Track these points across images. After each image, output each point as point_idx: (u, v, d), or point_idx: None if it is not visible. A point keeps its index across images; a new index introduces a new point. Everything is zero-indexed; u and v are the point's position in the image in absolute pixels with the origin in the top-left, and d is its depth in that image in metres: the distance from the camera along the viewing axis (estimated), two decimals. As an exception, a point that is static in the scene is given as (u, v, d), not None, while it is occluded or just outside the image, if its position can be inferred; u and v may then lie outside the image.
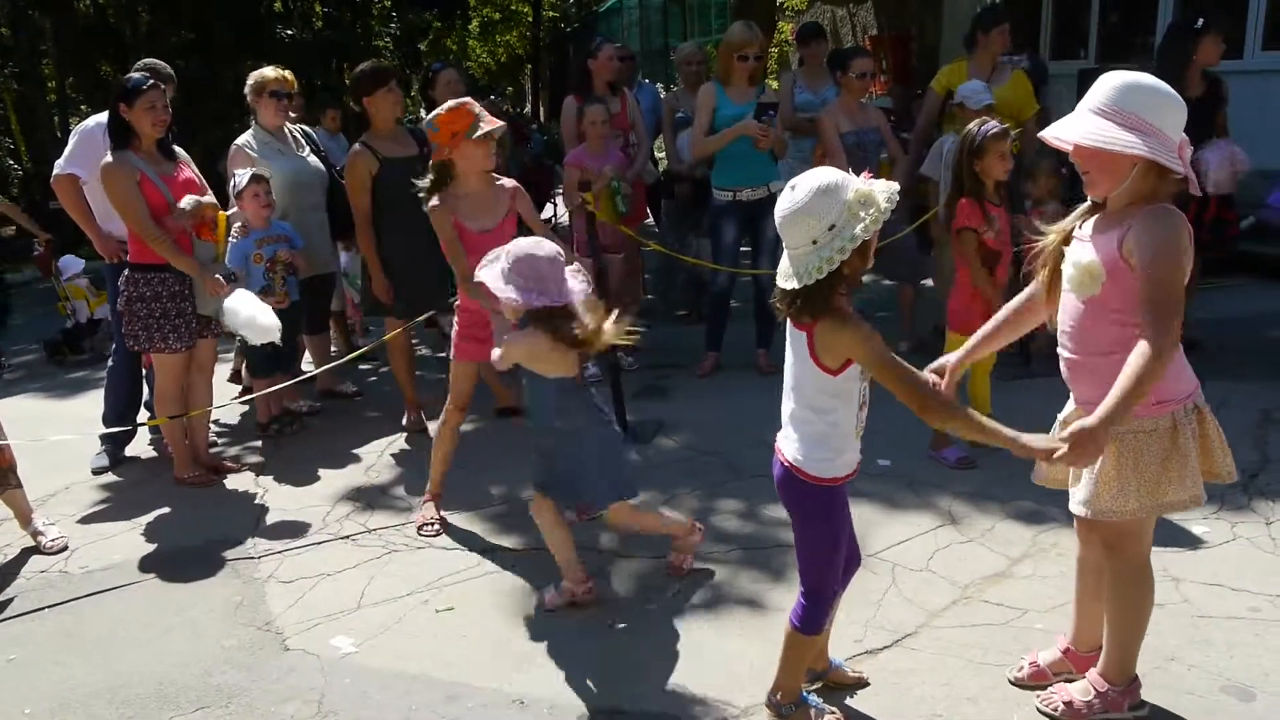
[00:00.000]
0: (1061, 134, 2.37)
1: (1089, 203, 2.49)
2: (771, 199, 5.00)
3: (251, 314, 4.41)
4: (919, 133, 6.14)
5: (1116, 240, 2.33)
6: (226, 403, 5.66)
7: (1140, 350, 2.22)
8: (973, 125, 4.19)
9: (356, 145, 4.96)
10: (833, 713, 2.72)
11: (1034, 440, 2.31)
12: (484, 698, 2.94)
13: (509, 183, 3.97)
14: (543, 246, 3.05)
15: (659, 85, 10.82)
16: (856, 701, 2.81)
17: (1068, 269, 2.44)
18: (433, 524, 4.05)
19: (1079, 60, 10.03)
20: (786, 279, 2.35)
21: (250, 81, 5.31)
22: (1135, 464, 2.42)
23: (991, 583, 3.40)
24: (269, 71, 5.30)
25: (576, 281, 3.09)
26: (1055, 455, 2.25)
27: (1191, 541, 3.57)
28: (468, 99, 3.82)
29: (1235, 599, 3.19)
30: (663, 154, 7.12)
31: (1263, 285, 6.65)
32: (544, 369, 3.17)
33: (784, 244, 2.36)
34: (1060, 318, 2.53)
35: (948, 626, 3.15)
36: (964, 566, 3.51)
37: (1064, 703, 2.69)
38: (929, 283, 6.15)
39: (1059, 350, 2.55)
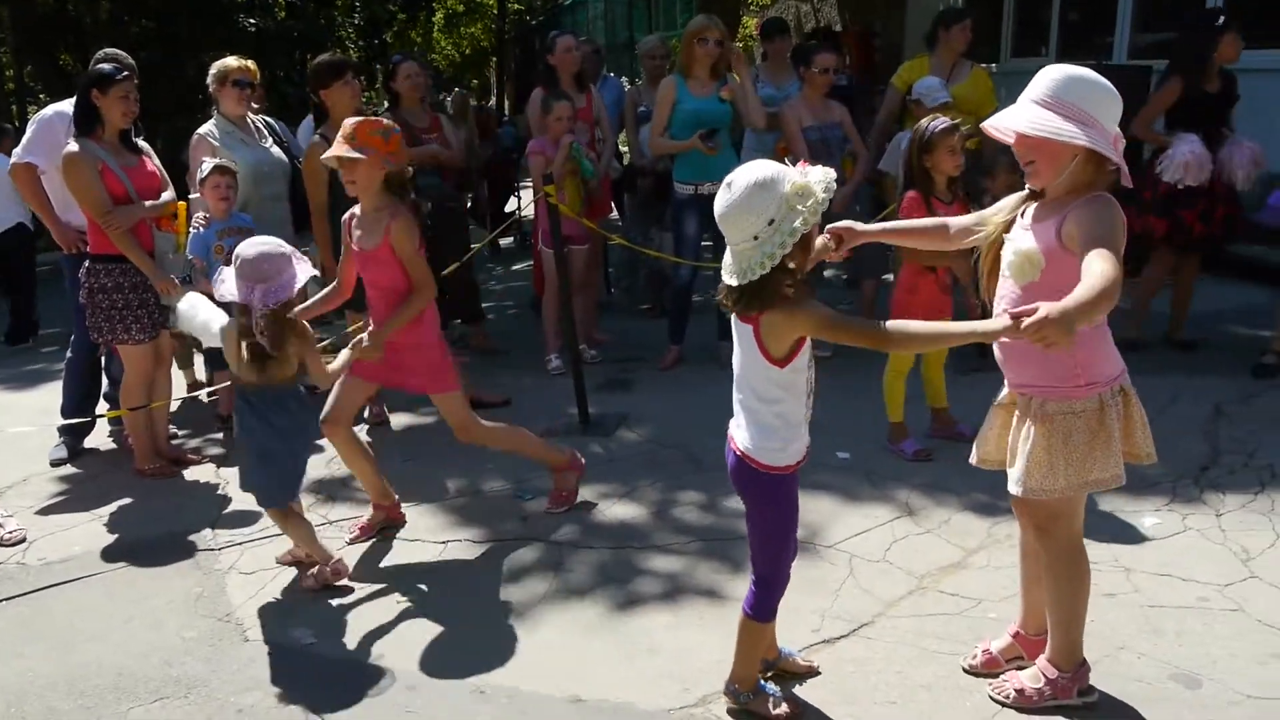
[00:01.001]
0: (1005, 124, 2.43)
1: (1026, 191, 2.55)
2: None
3: (208, 317, 4.38)
4: (879, 128, 6.20)
5: (1055, 227, 2.38)
6: (191, 394, 5.62)
7: (1099, 263, 2.15)
8: (923, 121, 4.24)
9: (315, 137, 4.93)
10: (790, 700, 2.76)
11: (990, 324, 2.22)
12: (444, 687, 2.95)
13: (394, 212, 3.64)
14: (247, 247, 3.33)
15: (623, 79, 10.82)
16: (814, 689, 2.85)
17: (1008, 255, 2.48)
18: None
19: (1040, 58, 10.16)
20: (731, 275, 2.38)
21: (213, 71, 5.26)
22: (1064, 443, 2.48)
23: (947, 573, 3.46)
24: (231, 61, 5.26)
25: (260, 291, 3.29)
26: (1022, 326, 2.05)
27: (1142, 533, 3.64)
28: (362, 119, 3.65)
29: (1185, 589, 3.27)
30: (626, 148, 7.13)
31: (1221, 282, 6.77)
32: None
33: (726, 240, 2.39)
34: (997, 303, 2.58)
35: (904, 616, 3.20)
36: (920, 557, 3.56)
37: (1015, 690, 2.74)
38: (890, 277, 6.22)
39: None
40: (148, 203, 4.44)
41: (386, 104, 7.57)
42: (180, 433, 5.30)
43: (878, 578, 3.43)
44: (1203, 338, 5.66)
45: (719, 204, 2.34)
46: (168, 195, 4.57)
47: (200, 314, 4.37)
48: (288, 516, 3.57)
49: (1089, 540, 3.57)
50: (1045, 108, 2.35)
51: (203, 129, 5.24)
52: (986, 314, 2.58)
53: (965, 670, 2.90)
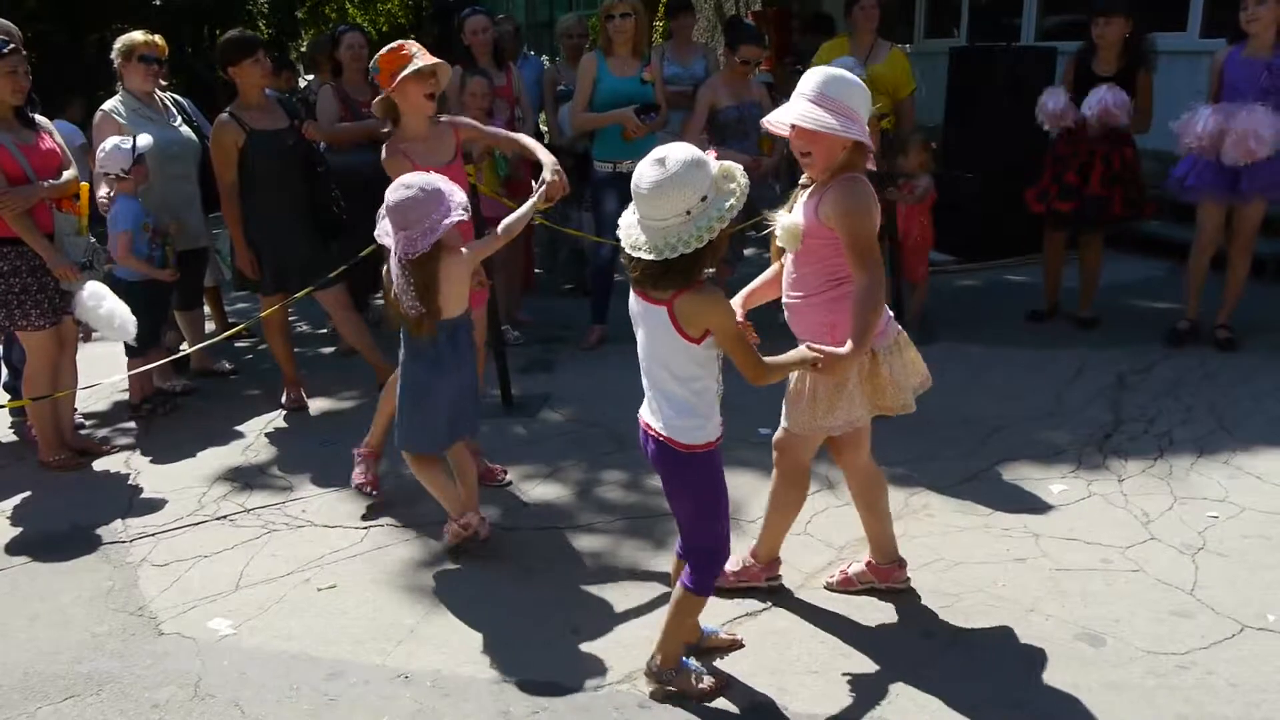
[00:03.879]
0: (787, 119, 2.69)
1: (802, 181, 2.88)
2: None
3: (111, 309, 4.27)
4: None
5: (814, 205, 2.75)
6: (96, 383, 5.43)
7: (857, 288, 2.70)
8: None
9: (223, 115, 4.80)
10: (714, 673, 2.79)
11: (797, 355, 2.68)
12: (367, 673, 2.93)
13: (449, 119, 3.89)
14: (390, 191, 3.13)
15: (544, 58, 10.73)
16: (738, 661, 2.90)
17: (777, 230, 2.83)
18: (367, 484, 3.99)
19: (951, 39, 10.35)
20: (650, 251, 2.37)
21: (118, 45, 5.09)
22: (813, 390, 2.85)
23: (865, 544, 3.51)
24: (138, 35, 5.09)
25: (402, 240, 3.14)
26: (817, 368, 2.68)
27: (1050, 499, 3.77)
28: (407, 41, 3.72)
29: (1089, 552, 3.40)
30: (547, 128, 7.08)
31: (1121, 257, 7.01)
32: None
33: (645, 216, 2.39)
34: (784, 272, 2.93)
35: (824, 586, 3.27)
36: (840, 529, 3.63)
37: (841, 576, 3.24)
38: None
39: (783, 299, 2.94)
40: (47, 182, 4.27)
41: (307, 76, 7.39)
42: (88, 422, 5.13)
43: (799, 549, 3.49)
44: (1095, 315, 5.79)
45: (649, 178, 2.34)
46: (69, 174, 4.40)
47: (104, 305, 4.25)
48: (426, 465, 3.47)
49: (1002, 509, 3.72)
50: (820, 106, 2.65)
51: (107, 106, 5.07)
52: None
53: (825, 587, 3.26)
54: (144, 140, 4.79)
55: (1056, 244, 5.84)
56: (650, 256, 2.37)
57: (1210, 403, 4.56)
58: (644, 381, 2.62)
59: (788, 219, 2.79)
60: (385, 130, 3.78)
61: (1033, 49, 7.88)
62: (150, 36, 5.11)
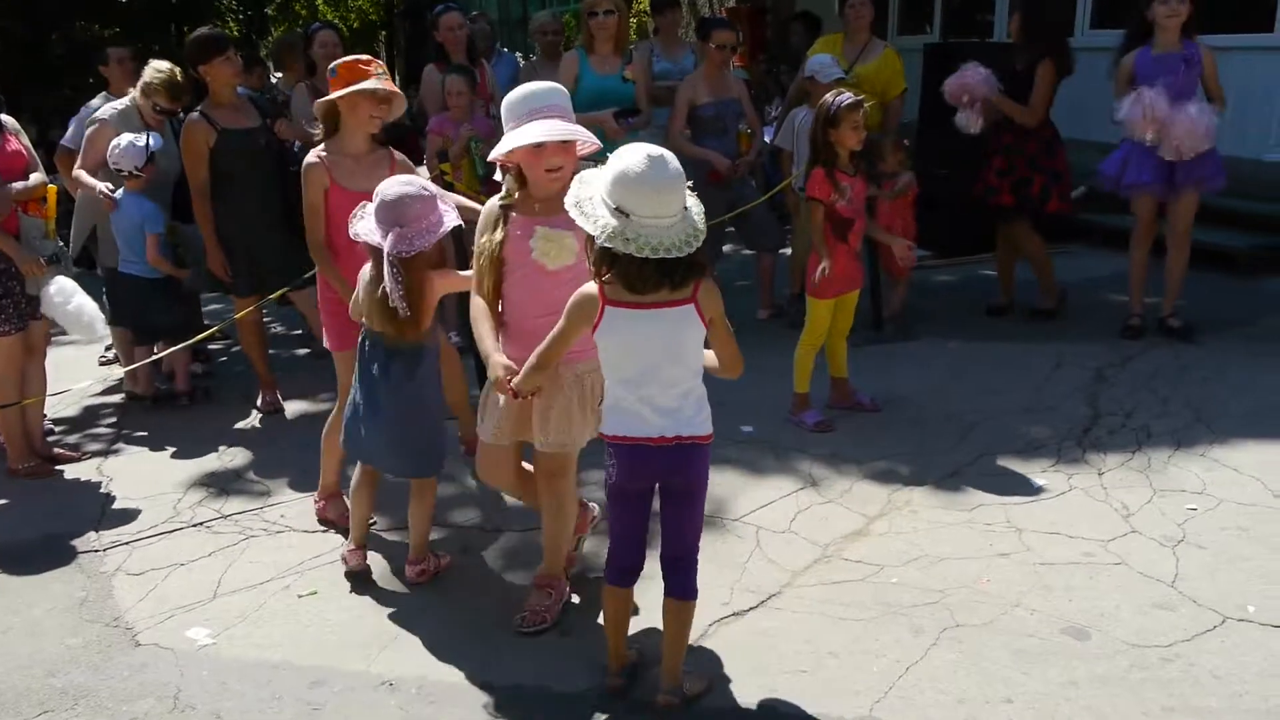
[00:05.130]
0: (552, 137, 2.70)
1: (499, 204, 2.89)
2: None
3: (80, 305, 4.21)
4: (789, 103, 6.26)
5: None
6: (65, 389, 5.34)
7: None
8: (828, 96, 4.28)
9: (193, 114, 4.73)
10: (701, 677, 2.77)
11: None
12: (350, 680, 2.89)
13: (391, 151, 3.74)
14: (388, 186, 3.03)
15: (519, 55, 10.67)
16: (725, 662, 2.88)
17: (543, 245, 2.80)
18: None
19: (924, 35, 10.38)
20: (678, 248, 2.33)
21: (143, 81, 4.99)
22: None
23: (850, 541, 3.52)
24: (161, 79, 4.97)
25: (394, 236, 2.99)
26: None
27: (1032, 494, 3.78)
28: (377, 60, 3.63)
29: (1072, 545, 3.41)
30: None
31: (1094, 251, 7.06)
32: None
33: (657, 214, 2.32)
34: (517, 294, 2.88)
35: (810, 585, 3.26)
36: (824, 527, 3.62)
37: (529, 612, 3.08)
38: (787, 251, 6.29)
39: (535, 319, 2.81)
40: (15, 185, 4.18)
41: (278, 73, 7.30)
42: (58, 428, 5.04)
43: (784, 548, 3.48)
44: (1049, 307, 5.82)
45: (660, 176, 2.32)
46: (37, 177, 4.31)
47: (72, 301, 4.18)
48: (357, 482, 3.45)
49: (984, 504, 3.73)
50: (565, 119, 2.74)
51: (106, 115, 4.96)
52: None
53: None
54: (157, 139, 4.77)
55: (1003, 238, 5.91)
56: (666, 254, 2.32)
57: (1187, 396, 4.59)
58: (642, 396, 2.50)
59: (561, 235, 2.78)
60: (316, 136, 3.63)
61: (1005, 45, 7.92)
62: (176, 90, 5.00)
